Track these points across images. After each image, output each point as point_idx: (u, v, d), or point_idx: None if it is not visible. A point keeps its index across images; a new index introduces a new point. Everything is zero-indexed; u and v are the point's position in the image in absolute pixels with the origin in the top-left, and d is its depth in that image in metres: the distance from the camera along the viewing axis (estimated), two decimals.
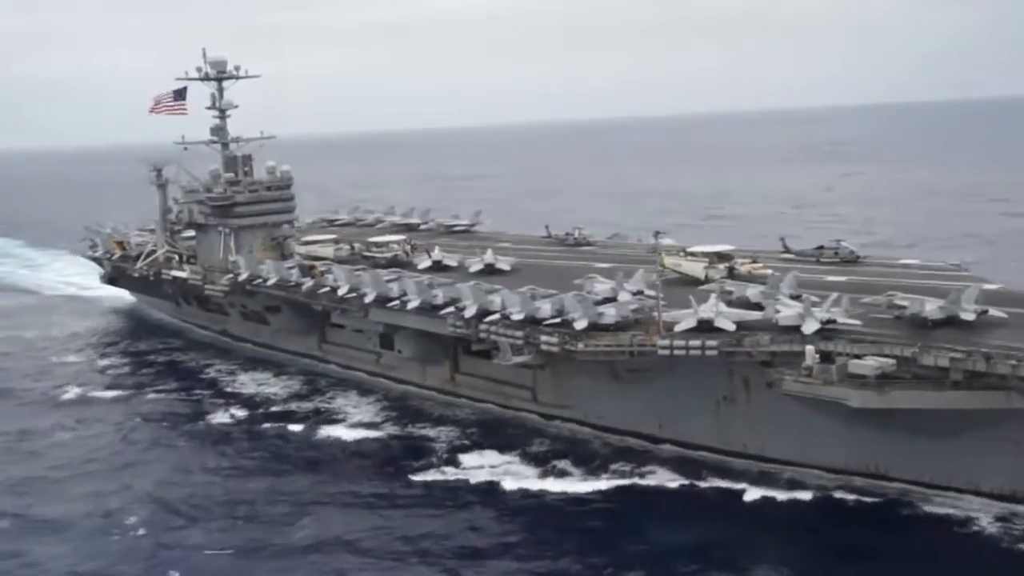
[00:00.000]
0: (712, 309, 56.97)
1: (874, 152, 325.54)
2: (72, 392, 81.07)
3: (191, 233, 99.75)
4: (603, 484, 57.35)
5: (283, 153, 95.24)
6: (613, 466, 59.59)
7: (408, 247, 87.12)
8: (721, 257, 70.50)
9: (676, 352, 55.98)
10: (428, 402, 74.35)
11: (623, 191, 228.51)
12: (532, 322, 61.70)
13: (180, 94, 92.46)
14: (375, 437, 67.84)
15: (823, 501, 53.44)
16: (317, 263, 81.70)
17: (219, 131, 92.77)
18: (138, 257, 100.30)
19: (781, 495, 54.23)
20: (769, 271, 68.29)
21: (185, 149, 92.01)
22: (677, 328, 56.89)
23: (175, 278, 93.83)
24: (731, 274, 68.47)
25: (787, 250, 77.25)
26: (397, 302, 70.07)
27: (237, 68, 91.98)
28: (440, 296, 68.25)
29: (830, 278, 67.78)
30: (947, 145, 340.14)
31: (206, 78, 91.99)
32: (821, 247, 74.74)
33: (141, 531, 54.66)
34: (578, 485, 57.47)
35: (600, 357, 58.96)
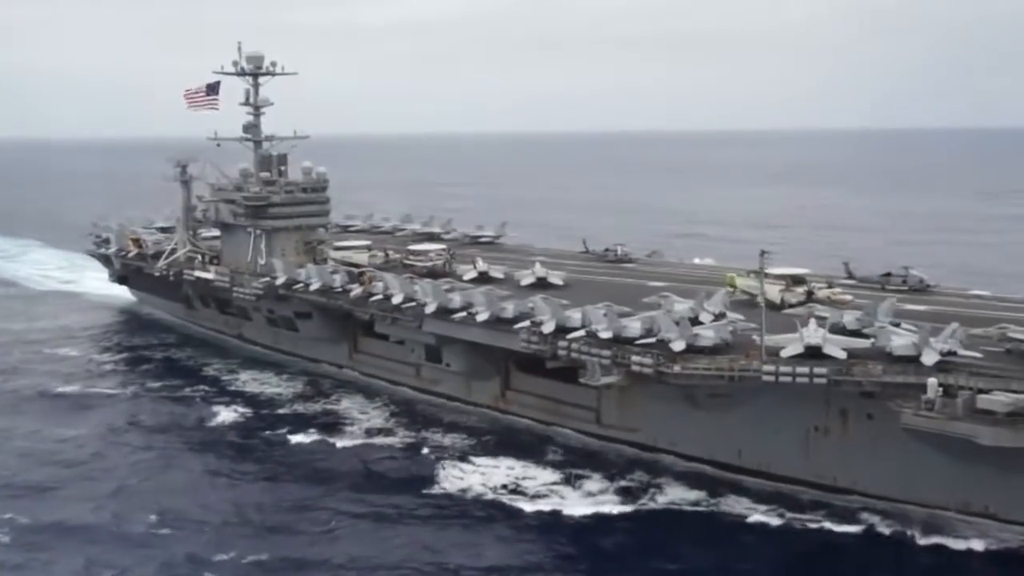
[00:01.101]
0: (818, 335, 54.13)
1: (839, 176, 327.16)
2: (78, 389, 78.85)
3: (212, 232, 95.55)
4: (673, 509, 55.36)
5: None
6: (690, 494, 56.98)
7: (449, 257, 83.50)
8: (795, 280, 67.68)
9: (782, 379, 52.96)
10: (438, 408, 72.75)
11: (596, 204, 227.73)
12: (620, 341, 58.38)
13: (213, 88, 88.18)
14: (388, 444, 65.84)
15: (930, 539, 50.62)
16: (367, 270, 77.64)
17: (252, 128, 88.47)
18: (156, 256, 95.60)
19: (883, 529, 51.73)
20: (848, 297, 65.77)
21: (218, 145, 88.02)
22: (783, 354, 53.90)
23: (198, 279, 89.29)
24: (810, 298, 65.76)
25: (850, 275, 74.66)
26: (463, 314, 66.28)
27: (273, 64, 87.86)
28: (510, 309, 64.79)
29: (908, 306, 65.13)
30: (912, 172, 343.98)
31: (241, 73, 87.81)
32: (888, 274, 72.14)
33: (157, 541, 51.94)
34: (644, 506, 55.35)
35: (695, 381, 55.74)
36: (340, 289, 75.90)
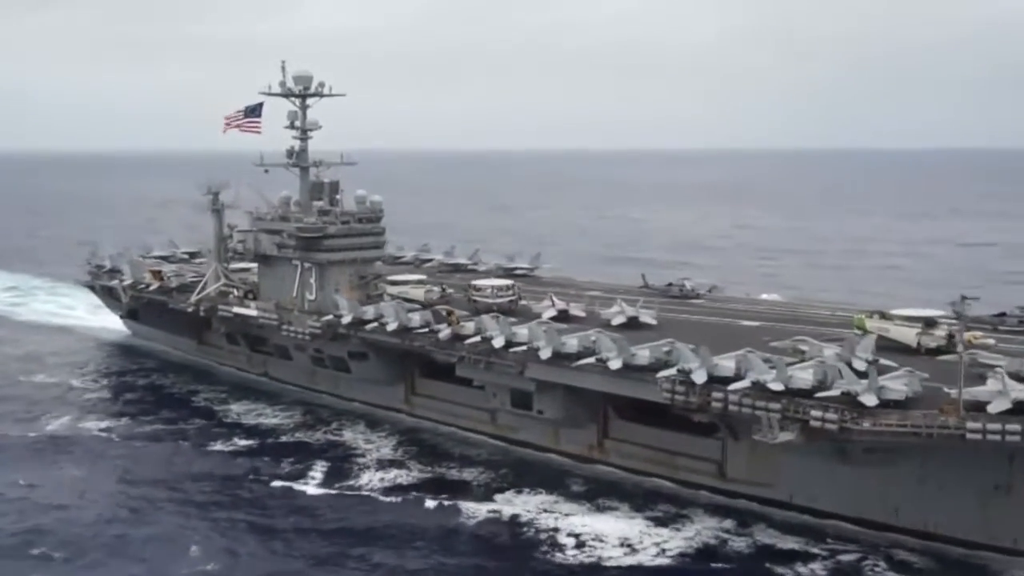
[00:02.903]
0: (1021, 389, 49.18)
1: (756, 196, 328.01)
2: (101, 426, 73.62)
3: (241, 264, 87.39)
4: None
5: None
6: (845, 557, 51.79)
7: (518, 293, 76.86)
8: (928, 323, 62.76)
9: (990, 437, 47.82)
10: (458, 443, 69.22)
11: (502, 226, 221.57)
12: (791, 393, 52.56)
13: (254, 111, 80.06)
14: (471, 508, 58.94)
15: None
16: (454, 310, 70.44)
17: (300, 154, 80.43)
18: (180, 289, 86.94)
19: None
20: (991, 340, 61.10)
21: (266, 172, 79.74)
22: (991, 409, 48.70)
23: (236, 315, 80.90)
24: (950, 342, 60.83)
25: (958, 316, 69.26)
26: (589, 360, 59.76)
27: (322, 85, 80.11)
28: (644, 357, 58.51)
29: None
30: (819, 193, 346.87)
31: (288, 94, 79.88)
32: (1003, 314, 67.64)
33: None
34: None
35: (885, 439, 50.17)
36: (425, 330, 68.44)
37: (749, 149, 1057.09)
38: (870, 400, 50.01)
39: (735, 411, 53.70)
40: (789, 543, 53.11)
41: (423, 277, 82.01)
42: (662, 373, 56.41)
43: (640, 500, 59.00)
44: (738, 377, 54.44)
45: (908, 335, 61.26)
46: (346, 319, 72.37)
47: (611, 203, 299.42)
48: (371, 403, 76.88)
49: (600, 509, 57.90)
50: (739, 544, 53.34)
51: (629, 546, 53.05)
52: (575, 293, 79.17)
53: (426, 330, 68.38)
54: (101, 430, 72.60)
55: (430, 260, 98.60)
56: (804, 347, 58.89)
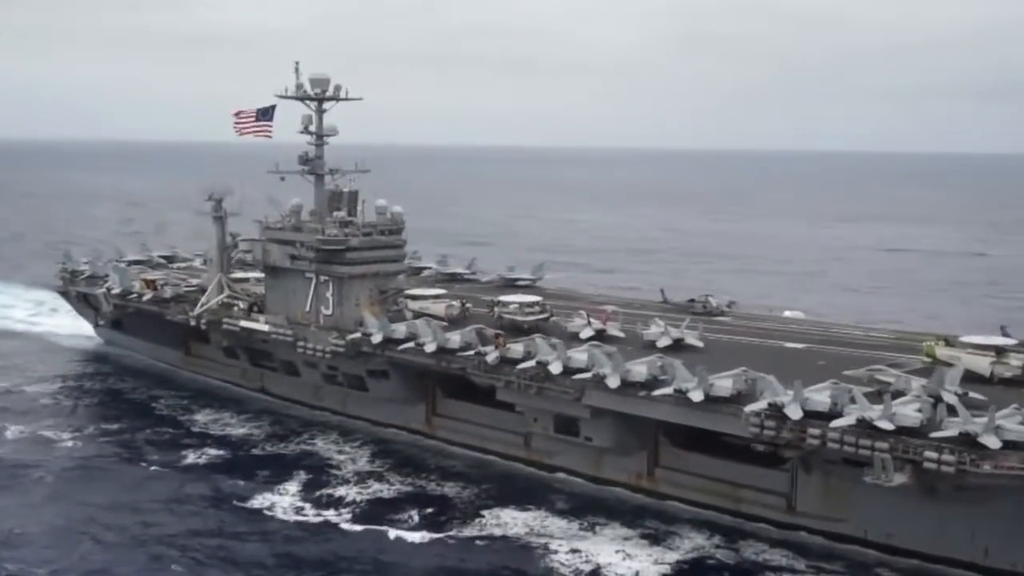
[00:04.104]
0: None
1: (681, 197, 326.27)
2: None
3: (241, 274, 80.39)
4: None
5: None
6: None
7: (549, 312, 71.46)
8: (998, 350, 59.08)
9: None
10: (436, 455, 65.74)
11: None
12: (900, 432, 48.30)
13: (266, 113, 73.26)
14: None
15: None
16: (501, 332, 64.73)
17: (316, 160, 73.77)
18: (176, 300, 79.57)
19: None
20: None
21: (282, 179, 72.96)
22: None
23: (244, 330, 74.00)
24: None
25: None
26: (667, 391, 54.72)
27: (338, 88, 73.52)
28: (726, 388, 53.73)
29: None
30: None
31: (304, 98, 73.15)
32: None
33: None
34: None
35: (1003, 482, 46.30)
36: (470, 352, 62.70)
37: (664, 149, 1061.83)
38: (993, 442, 46.02)
39: (835, 450, 49.10)
40: None
41: (443, 291, 75.65)
42: (750, 407, 51.72)
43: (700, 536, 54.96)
44: (834, 413, 49.93)
45: (981, 364, 57.44)
46: (376, 338, 66.18)
47: (535, 202, 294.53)
48: (387, 423, 71.04)
49: (593, 530, 55.31)
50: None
51: None
52: (612, 311, 72.80)
53: (471, 352, 62.36)
54: (67, 443, 68.00)
55: (425, 269, 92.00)
56: (885, 378, 54.59)
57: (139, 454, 65.97)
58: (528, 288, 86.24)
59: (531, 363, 59.78)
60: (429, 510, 57.21)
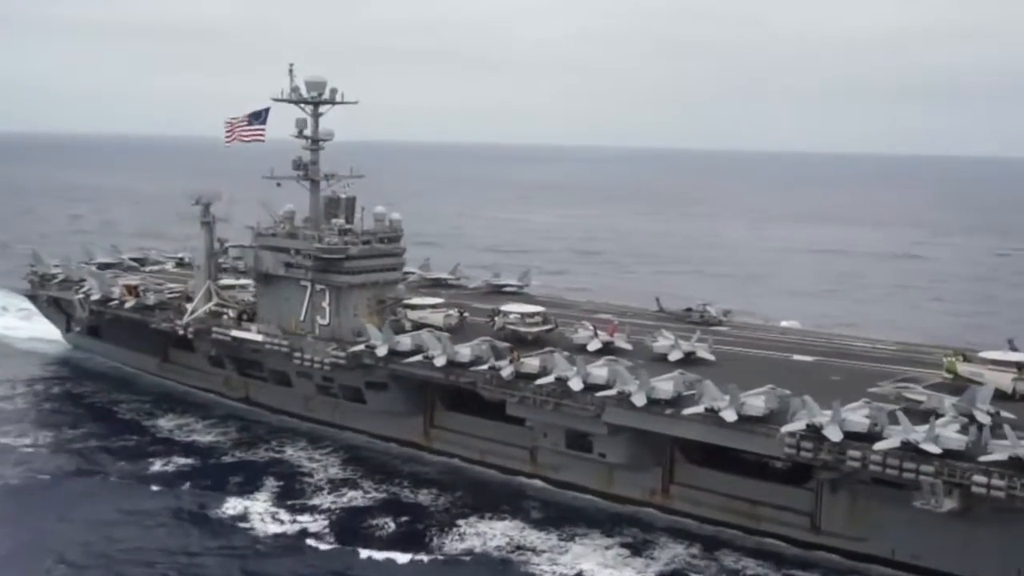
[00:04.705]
0: None
1: (620, 195, 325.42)
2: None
3: (229, 280, 76.42)
4: None
5: None
6: None
7: (553, 323, 68.75)
8: (1020, 367, 57.62)
9: None
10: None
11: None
12: (946, 455, 46.50)
13: (258, 116, 69.39)
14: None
15: None
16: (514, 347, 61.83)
17: (311, 166, 70.09)
18: (160, 307, 75.36)
19: None
20: None
21: (278, 185, 69.17)
22: None
23: (235, 339, 70.10)
24: None
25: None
26: (697, 409, 52.30)
27: (334, 92, 69.95)
28: (758, 408, 51.52)
29: None
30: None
31: (300, 101, 69.44)
32: None
33: None
34: None
35: None
36: (484, 367, 59.75)
37: (600, 147, 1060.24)
38: None
39: (877, 472, 47.14)
40: None
41: (440, 300, 72.44)
42: (787, 428, 49.57)
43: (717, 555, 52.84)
44: (873, 434, 47.98)
45: (1004, 381, 55.90)
46: (381, 350, 62.83)
47: (483, 200, 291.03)
48: (383, 436, 68.06)
49: (573, 539, 53.83)
50: None
51: None
52: (618, 322, 69.84)
53: (485, 367, 59.42)
54: (27, 450, 65.21)
55: (409, 274, 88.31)
56: (915, 396, 52.88)
57: (104, 463, 63.16)
58: (516, 295, 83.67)
59: (549, 379, 56.96)
60: (404, 518, 55.62)
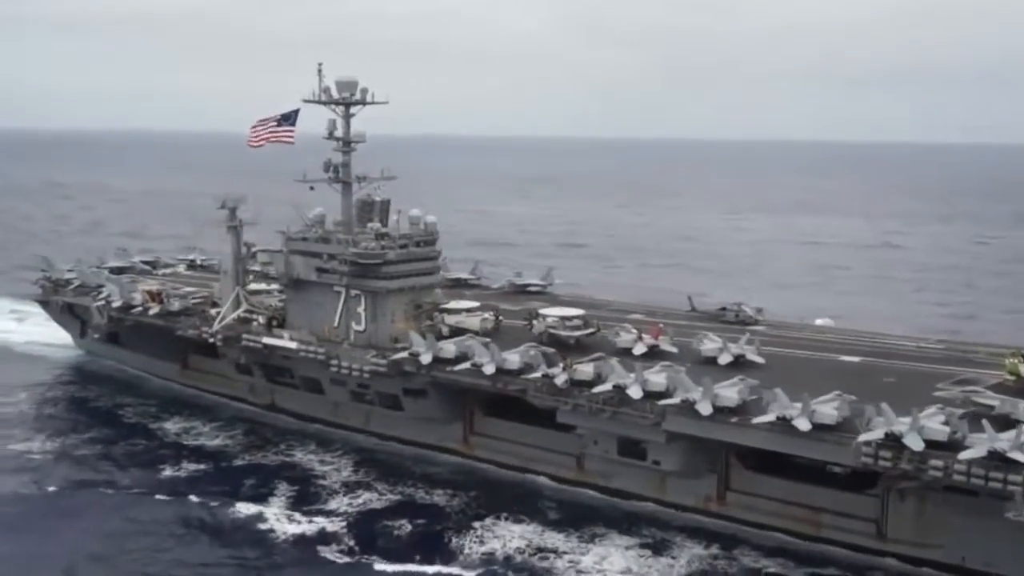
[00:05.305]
0: None
1: (591, 187, 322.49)
2: None
3: (257, 286, 73.25)
4: None
5: None
6: None
7: (596, 326, 66.20)
8: None
9: None
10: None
11: None
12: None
13: (288, 118, 66.19)
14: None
15: None
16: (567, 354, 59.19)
17: (343, 168, 66.99)
18: (185, 313, 72.06)
19: None
20: None
21: (311, 189, 65.95)
22: None
23: (266, 347, 66.98)
24: None
25: None
26: (768, 418, 49.94)
27: (365, 92, 66.85)
28: (830, 416, 49.31)
29: None
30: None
31: (331, 102, 66.35)
32: None
33: None
34: None
35: None
36: (537, 374, 57.12)
37: (555, 137, 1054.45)
38: None
39: (962, 482, 45.01)
40: None
41: (476, 304, 69.59)
42: (863, 437, 47.33)
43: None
44: (955, 443, 45.84)
45: None
46: (425, 358, 60.04)
47: (451, 193, 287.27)
48: (420, 443, 65.01)
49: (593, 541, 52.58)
50: None
51: None
52: (662, 325, 67.04)
53: (538, 374, 56.78)
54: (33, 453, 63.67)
55: None
56: (986, 400, 50.84)
57: (112, 471, 61.60)
58: (539, 294, 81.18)
59: (607, 387, 54.43)
60: (421, 521, 54.46)
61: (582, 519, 54.59)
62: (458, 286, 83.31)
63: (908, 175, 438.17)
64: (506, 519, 54.31)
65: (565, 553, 50.88)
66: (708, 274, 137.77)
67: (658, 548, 51.55)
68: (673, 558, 50.68)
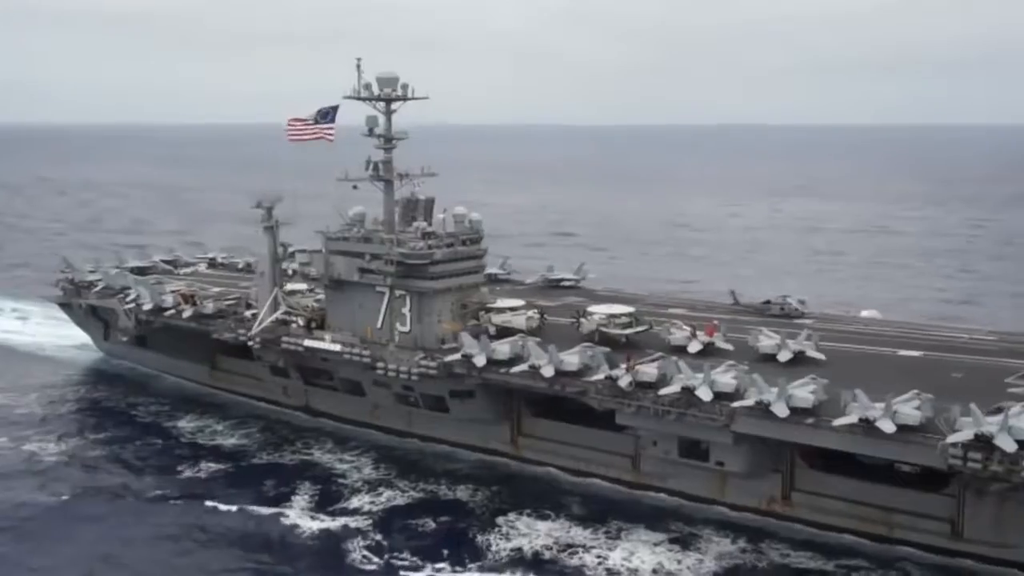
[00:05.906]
0: None
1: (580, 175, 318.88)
2: None
3: (294, 286, 70.42)
4: None
5: None
6: None
7: (648, 323, 63.69)
8: None
9: None
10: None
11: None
12: None
13: (326, 115, 63.19)
14: None
15: None
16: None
17: (385, 165, 64.06)
18: (219, 315, 69.20)
19: None
20: None
21: (355, 188, 63.10)
22: None
23: (309, 349, 64.18)
24: None
25: None
26: (853, 419, 47.54)
27: (405, 87, 63.94)
28: (913, 416, 47.06)
29: None
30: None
31: (371, 98, 63.45)
32: None
33: None
34: None
35: None
36: (600, 376, 54.54)
37: (562, 126, 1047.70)
38: None
39: None
40: None
41: (521, 302, 66.86)
42: (952, 438, 45.04)
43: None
44: None
45: None
46: (479, 360, 57.33)
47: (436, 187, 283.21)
48: (466, 445, 62.42)
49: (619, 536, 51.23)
50: None
51: None
52: (716, 322, 64.41)
53: (601, 376, 54.19)
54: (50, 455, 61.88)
55: None
56: None
57: (129, 474, 59.37)
58: (573, 288, 78.73)
59: (674, 389, 51.91)
60: (445, 518, 53.37)
61: (606, 513, 53.33)
62: (490, 281, 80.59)
63: (904, 157, 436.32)
64: (529, 515, 53.22)
65: (592, 548, 49.66)
66: (706, 261, 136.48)
67: (686, 543, 50.32)
68: (702, 553, 49.38)
